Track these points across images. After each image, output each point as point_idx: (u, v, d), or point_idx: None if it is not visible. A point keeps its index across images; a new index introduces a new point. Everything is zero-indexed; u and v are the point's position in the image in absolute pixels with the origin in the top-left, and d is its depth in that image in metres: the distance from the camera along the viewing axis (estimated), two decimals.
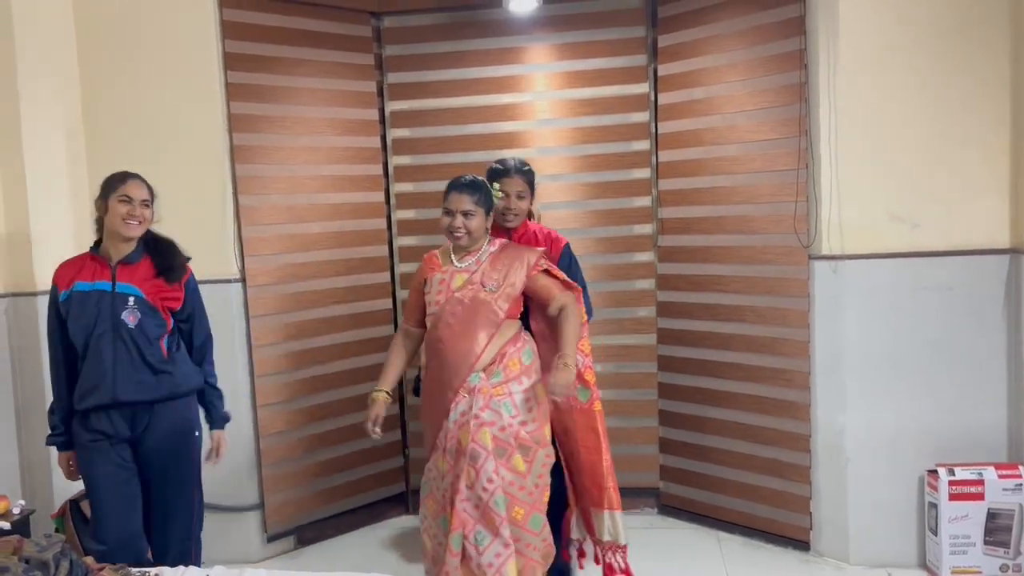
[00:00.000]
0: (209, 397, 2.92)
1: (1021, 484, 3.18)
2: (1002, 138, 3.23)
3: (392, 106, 4.12)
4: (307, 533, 3.91)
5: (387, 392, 2.93)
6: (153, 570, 2.36)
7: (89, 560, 2.32)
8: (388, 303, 4.14)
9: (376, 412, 2.89)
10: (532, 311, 2.94)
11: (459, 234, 2.83)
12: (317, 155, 3.89)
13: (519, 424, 2.72)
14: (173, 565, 2.51)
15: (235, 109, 3.61)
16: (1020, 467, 3.21)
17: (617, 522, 2.89)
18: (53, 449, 2.88)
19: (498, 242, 2.93)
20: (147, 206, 2.73)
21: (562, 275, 2.89)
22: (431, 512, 2.85)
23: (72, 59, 3.54)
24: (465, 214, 2.81)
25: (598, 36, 3.99)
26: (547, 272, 2.86)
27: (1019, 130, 3.20)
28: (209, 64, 3.54)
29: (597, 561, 2.98)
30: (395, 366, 2.99)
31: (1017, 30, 3.18)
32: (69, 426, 2.77)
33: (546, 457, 2.77)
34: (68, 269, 2.76)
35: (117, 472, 2.70)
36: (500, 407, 2.71)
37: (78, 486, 2.86)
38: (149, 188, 2.76)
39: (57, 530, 2.86)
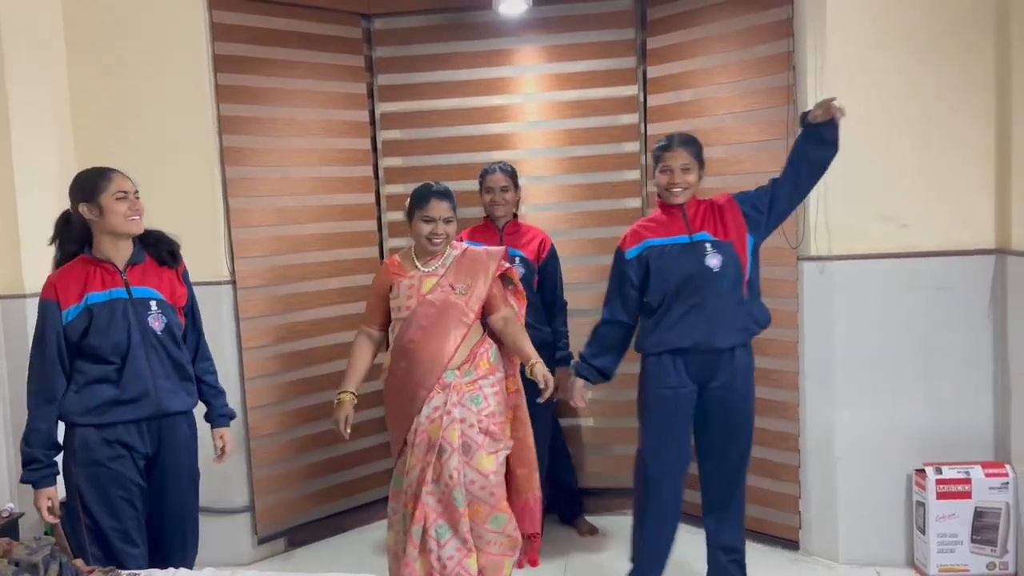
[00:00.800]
0: (212, 395, 2.80)
1: (1007, 483, 3.21)
2: (988, 139, 3.26)
3: (382, 108, 4.13)
4: (298, 535, 3.90)
5: (352, 392, 2.98)
6: (144, 572, 2.35)
7: (79, 563, 2.31)
8: None
9: (344, 413, 2.94)
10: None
11: (438, 240, 2.92)
12: (307, 157, 3.89)
13: (487, 416, 2.83)
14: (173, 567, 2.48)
15: (225, 111, 3.60)
16: (1007, 466, 3.24)
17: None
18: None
19: (460, 246, 3.01)
20: (138, 197, 2.58)
21: (516, 281, 3.07)
22: (396, 507, 2.91)
23: (61, 61, 3.53)
24: (446, 221, 2.91)
25: (587, 38, 4.01)
26: (502, 277, 3.00)
27: (1004, 131, 3.22)
28: (199, 66, 3.54)
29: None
30: (359, 368, 3.03)
31: (1002, 34, 3.21)
32: (51, 457, 2.55)
33: (506, 455, 2.90)
34: (69, 280, 2.52)
35: (131, 491, 2.57)
36: (471, 402, 2.82)
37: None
38: (132, 181, 2.60)
39: (47, 533, 2.85)
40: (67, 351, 2.52)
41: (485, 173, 3.67)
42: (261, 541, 3.76)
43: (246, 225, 3.69)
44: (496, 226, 3.68)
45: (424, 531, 2.76)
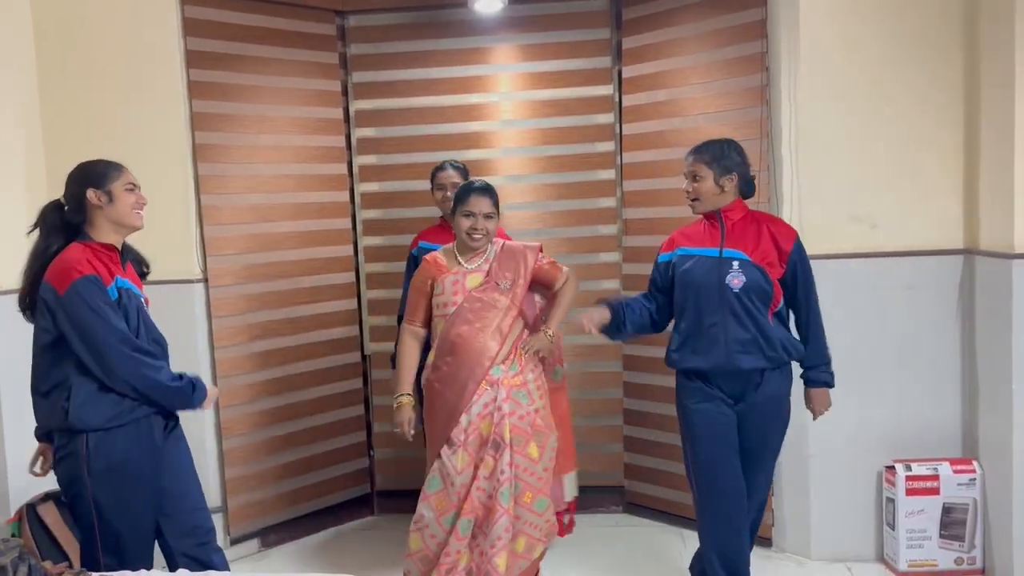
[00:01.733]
0: None
1: (975, 479, 3.26)
2: (957, 142, 3.31)
3: (357, 105, 4.10)
4: (271, 536, 3.87)
5: (409, 395, 3.02)
6: (115, 574, 2.32)
7: (47, 564, 2.28)
8: (353, 303, 4.12)
9: (406, 416, 2.98)
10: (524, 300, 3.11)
11: (478, 236, 2.97)
12: (281, 154, 3.86)
13: (534, 412, 2.93)
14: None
15: (197, 107, 3.56)
16: (974, 462, 3.29)
17: (575, 479, 3.25)
18: (5, 453, 2.74)
19: (499, 242, 3.07)
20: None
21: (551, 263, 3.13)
22: (436, 510, 2.88)
23: (29, 56, 3.46)
24: (486, 216, 2.96)
25: (563, 38, 4.01)
26: (548, 262, 3.09)
27: (972, 134, 3.27)
28: (171, 62, 3.50)
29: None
30: (410, 368, 3.06)
31: (969, 37, 3.26)
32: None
33: (555, 442, 2.98)
34: (95, 261, 2.43)
35: (153, 495, 2.55)
36: (519, 397, 2.91)
37: (34, 490, 2.77)
38: None
39: (13, 535, 2.79)
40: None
41: (437, 170, 3.57)
42: (234, 542, 3.73)
43: (219, 223, 3.65)
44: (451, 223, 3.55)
45: (475, 525, 2.84)
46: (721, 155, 2.80)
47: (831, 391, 2.93)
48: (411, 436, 2.98)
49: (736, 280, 2.76)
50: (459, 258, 3.03)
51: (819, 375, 2.89)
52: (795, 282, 2.83)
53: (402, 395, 3.01)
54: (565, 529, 3.26)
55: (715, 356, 2.79)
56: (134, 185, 2.54)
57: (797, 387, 2.93)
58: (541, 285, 3.09)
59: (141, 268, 2.68)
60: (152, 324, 2.58)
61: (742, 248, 2.79)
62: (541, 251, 3.10)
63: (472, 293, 2.96)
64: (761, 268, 2.77)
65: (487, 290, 2.96)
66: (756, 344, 2.77)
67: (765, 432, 2.88)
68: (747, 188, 2.88)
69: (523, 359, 2.97)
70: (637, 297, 3.04)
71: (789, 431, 3.45)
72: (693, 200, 2.85)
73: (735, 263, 2.78)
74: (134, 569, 2.38)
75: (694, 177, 2.82)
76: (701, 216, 2.90)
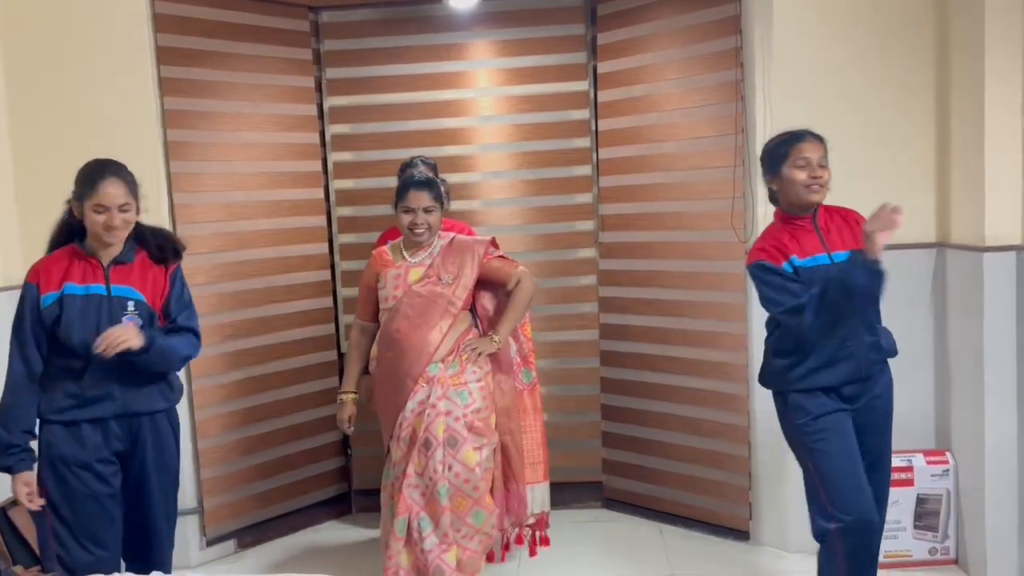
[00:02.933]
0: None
1: (948, 470, 3.30)
2: (929, 138, 3.35)
3: (331, 102, 4.07)
4: (247, 536, 3.84)
5: (354, 392, 3.06)
6: None
7: (18, 569, 2.25)
8: (328, 301, 4.09)
9: (348, 413, 3.06)
10: (477, 295, 3.05)
11: (420, 231, 2.93)
12: (254, 152, 3.82)
13: (473, 413, 2.84)
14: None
15: (169, 104, 3.51)
16: (947, 453, 3.33)
17: (546, 491, 3.13)
18: None
19: (447, 235, 3.02)
20: (126, 210, 2.47)
21: (506, 258, 3.05)
22: (384, 500, 2.92)
23: None
24: (426, 210, 2.93)
25: (538, 33, 4.01)
26: (498, 256, 3.01)
27: (943, 131, 3.31)
28: (141, 58, 3.44)
29: (520, 542, 3.12)
30: (357, 364, 3.11)
31: (941, 34, 3.30)
32: (27, 441, 2.49)
33: (491, 452, 2.88)
34: (51, 268, 2.50)
35: (98, 492, 2.50)
36: (456, 396, 2.83)
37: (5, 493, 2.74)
38: (127, 183, 2.49)
39: None
40: (45, 338, 2.48)
41: (405, 166, 3.56)
42: (210, 543, 3.68)
43: (191, 221, 3.60)
44: None
45: (408, 523, 2.78)
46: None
47: None
48: (350, 431, 3.06)
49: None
50: (404, 252, 3.02)
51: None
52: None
53: (345, 392, 3.07)
54: (535, 544, 3.13)
55: (848, 369, 2.55)
56: (103, 207, 2.44)
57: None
58: (492, 283, 3.01)
59: (165, 254, 2.60)
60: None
61: (842, 247, 2.56)
62: (495, 245, 3.04)
63: (412, 288, 2.93)
64: None
65: (428, 284, 2.92)
66: (878, 347, 2.61)
67: (884, 427, 2.70)
68: None
69: (464, 358, 2.91)
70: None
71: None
72: (821, 187, 2.55)
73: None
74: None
75: (821, 164, 2.56)
76: (777, 218, 2.64)
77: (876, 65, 3.33)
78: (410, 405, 2.83)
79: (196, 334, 2.66)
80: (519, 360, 3.11)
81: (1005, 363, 3.08)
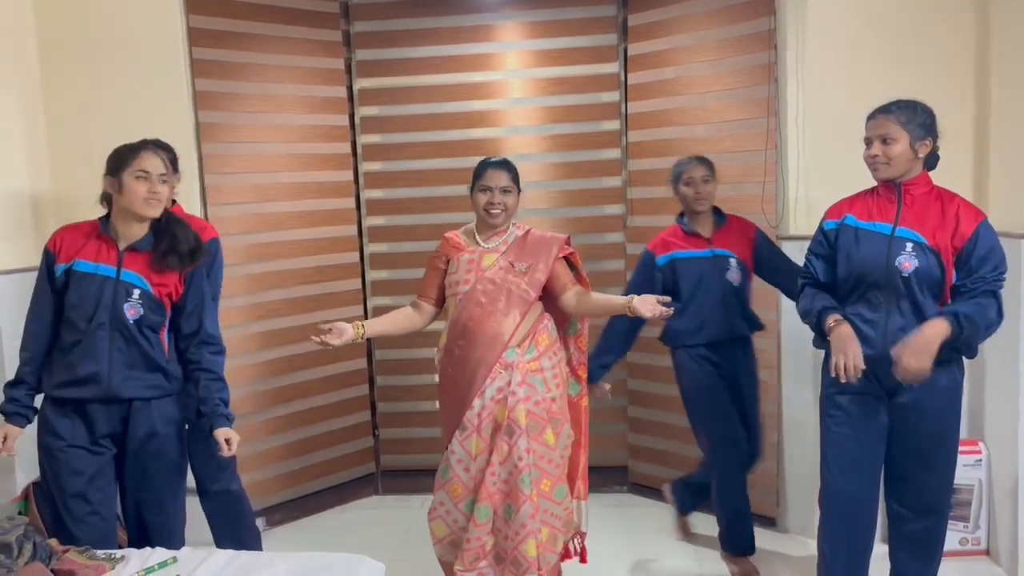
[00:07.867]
0: (209, 389, 2.61)
1: (981, 460, 3.25)
2: (967, 121, 3.27)
3: (360, 84, 4.07)
4: (275, 515, 3.89)
5: (363, 327, 2.82)
6: (120, 552, 2.33)
7: (53, 542, 2.29)
8: (357, 283, 4.11)
9: (340, 327, 2.77)
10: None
11: (496, 211, 2.80)
12: (284, 133, 3.84)
13: (550, 399, 2.77)
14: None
15: (200, 86, 3.54)
16: (980, 443, 3.28)
17: (584, 511, 2.97)
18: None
19: (523, 227, 2.90)
20: (165, 181, 2.47)
21: (579, 266, 2.90)
22: (452, 496, 2.79)
23: (30, 37, 3.43)
24: (504, 191, 2.80)
25: (568, 14, 3.98)
26: (568, 259, 2.87)
27: (982, 114, 3.24)
28: (173, 41, 3.47)
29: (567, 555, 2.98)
30: (390, 320, 2.94)
31: (981, 12, 3.22)
32: (28, 399, 2.55)
33: (570, 429, 2.86)
34: (71, 239, 2.51)
35: (84, 467, 2.51)
36: (535, 382, 2.75)
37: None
38: (168, 157, 2.52)
39: (20, 512, 2.80)
40: (54, 302, 2.52)
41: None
42: None
43: (222, 202, 3.63)
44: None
45: (493, 511, 2.73)
46: (917, 116, 2.47)
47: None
48: (319, 339, 2.77)
49: (907, 263, 2.41)
50: (477, 237, 2.87)
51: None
52: (967, 269, 2.43)
53: (358, 323, 2.82)
54: (579, 554, 3.01)
55: (871, 345, 2.44)
56: (146, 172, 2.43)
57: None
58: (550, 284, 2.84)
59: (180, 260, 2.54)
60: (121, 312, 2.47)
61: (919, 228, 2.43)
62: (569, 244, 2.88)
63: (485, 274, 2.79)
64: (937, 254, 2.42)
65: (501, 271, 2.79)
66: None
67: (931, 429, 2.56)
68: (933, 160, 2.52)
69: (541, 342, 2.80)
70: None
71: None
72: (882, 164, 2.47)
73: (909, 244, 2.42)
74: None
75: (884, 140, 2.46)
76: (878, 184, 2.54)
77: (913, 48, 3.26)
78: (489, 392, 2.73)
79: (215, 341, 2.67)
80: (569, 370, 2.97)
81: None
